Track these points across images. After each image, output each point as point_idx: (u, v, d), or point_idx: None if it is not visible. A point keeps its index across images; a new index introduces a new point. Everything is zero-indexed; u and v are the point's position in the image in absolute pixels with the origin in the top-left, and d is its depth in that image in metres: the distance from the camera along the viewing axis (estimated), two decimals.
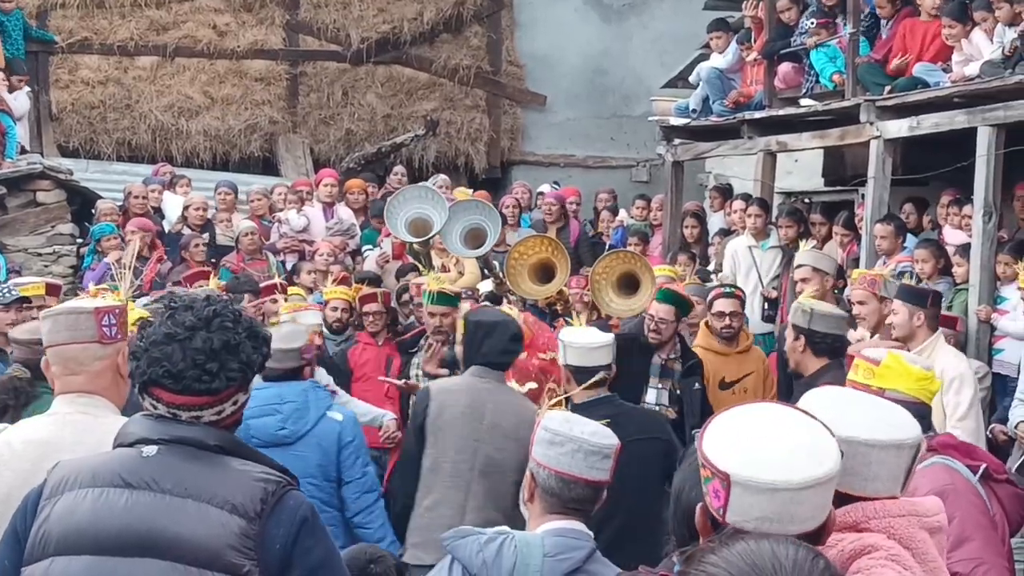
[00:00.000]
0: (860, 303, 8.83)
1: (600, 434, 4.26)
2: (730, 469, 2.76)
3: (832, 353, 7.49)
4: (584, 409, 6.73)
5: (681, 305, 9.17)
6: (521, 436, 6.72)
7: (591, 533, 4.23)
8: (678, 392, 8.93)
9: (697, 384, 8.97)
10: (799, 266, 10.37)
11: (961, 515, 4.70)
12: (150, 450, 3.55)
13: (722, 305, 9.77)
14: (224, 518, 3.44)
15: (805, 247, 10.82)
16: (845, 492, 3.21)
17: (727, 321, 9.71)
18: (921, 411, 4.81)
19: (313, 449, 7.10)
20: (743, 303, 10.06)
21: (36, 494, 3.62)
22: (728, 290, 10.03)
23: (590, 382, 6.92)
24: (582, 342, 6.98)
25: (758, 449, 2.80)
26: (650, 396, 8.85)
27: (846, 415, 3.25)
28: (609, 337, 7.18)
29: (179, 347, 3.55)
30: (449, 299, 9.27)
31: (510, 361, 7.11)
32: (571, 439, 4.17)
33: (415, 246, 11.29)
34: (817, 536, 2.84)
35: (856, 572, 3.08)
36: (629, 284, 10.01)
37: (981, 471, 4.98)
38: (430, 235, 10.82)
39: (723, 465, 2.78)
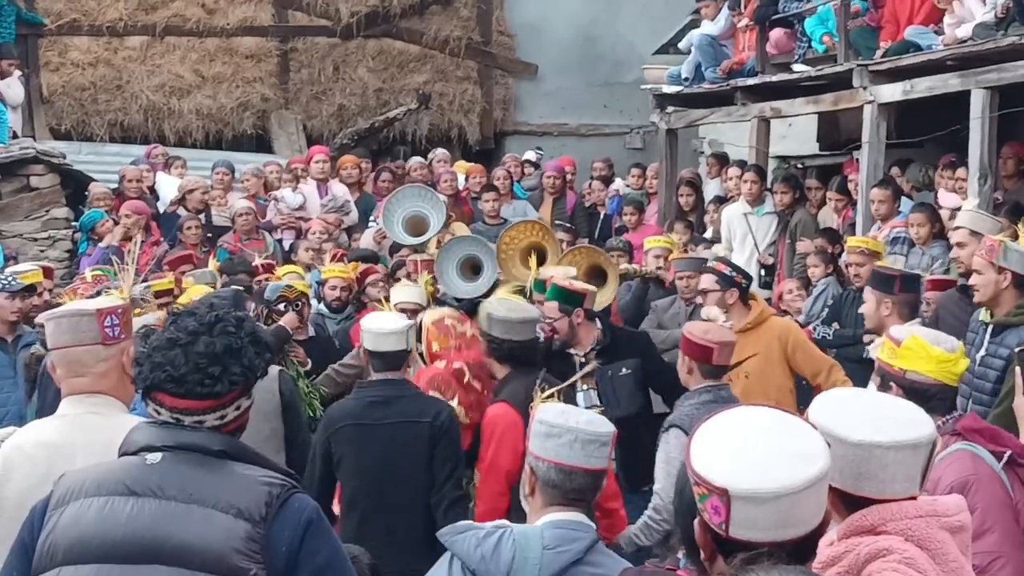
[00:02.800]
0: (977, 272, 7.68)
1: (595, 422, 4.25)
2: (728, 484, 2.75)
3: (512, 359, 7.18)
4: (363, 388, 6.98)
5: (567, 299, 8.24)
6: None
7: (592, 524, 4.21)
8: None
9: (624, 368, 8.10)
10: (956, 228, 9.26)
11: (983, 506, 4.66)
12: (154, 457, 3.56)
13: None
14: (229, 523, 3.44)
15: (967, 205, 9.47)
16: (863, 496, 3.21)
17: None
18: (944, 393, 4.78)
19: None
20: (723, 278, 8.82)
21: (43, 505, 3.63)
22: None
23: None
24: (375, 328, 6.94)
25: (750, 459, 2.79)
26: (580, 401, 7.90)
27: (858, 418, 3.23)
28: (403, 324, 7.07)
29: (182, 351, 3.56)
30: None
31: None
32: (568, 430, 4.16)
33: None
34: (817, 533, 2.84)
35: (868, 574, 3.07)
36: (598, 275, 9.96)
37: (1006, 458, 4.95)
38: (426, 238, 10.81)
39: (720, 481, 2.76)
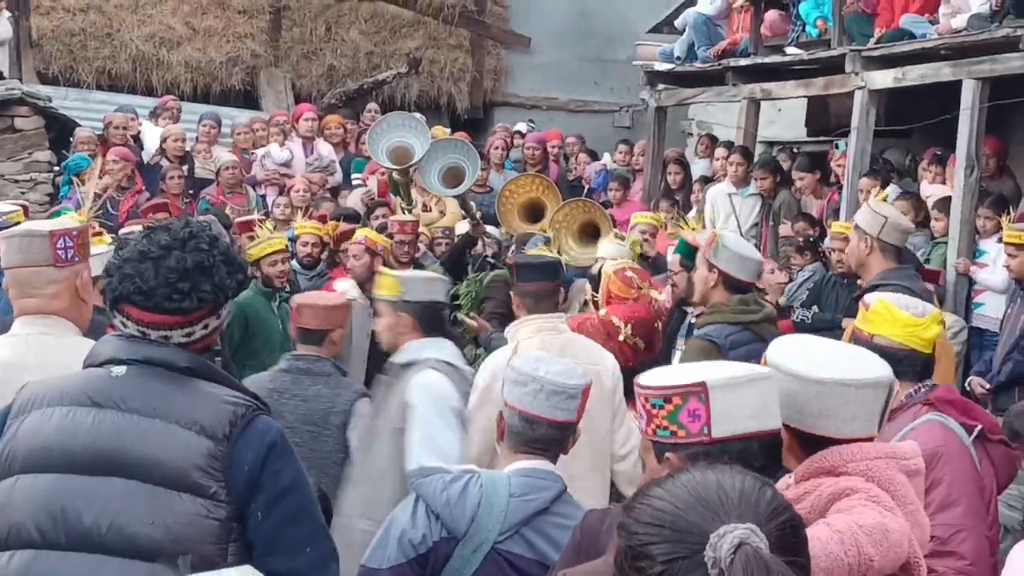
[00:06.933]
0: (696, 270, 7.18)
1: (566, 374, 4.18)
2: (705, 377, 2.83)
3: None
4: None
5: (690, 254, 7.62)
6: None
7: (560, 474, 4.19)
8: None
9: None
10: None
11: (950, 479, 4.65)
12: (119, 370, 3.52)
13: None
14: (192, 439, 3.42)
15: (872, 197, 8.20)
16: (823, 435, 3.21)
17: None
18: (913, 359, 4.72)
19: None
20: None
21: (3, 413, 3.59)
22: None
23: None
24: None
25: (719, 364, 2.95)
26: (676, 359, 7.62)
27: (818, 358, 3.26)
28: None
29: (152, 265, 3.51)
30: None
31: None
32: (534, 379, 4.11)
33: (395, 176, 11.27)
34: (779, 445, 2.97)
35: (837, 511, 3.07)
36: (590, 233, 9.93)
37: (976, 431, 4.93)
38: (410, 164, 10.79)
39: (696, 378, 2.84)
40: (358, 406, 6.76)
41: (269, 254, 9.87)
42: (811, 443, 3.22)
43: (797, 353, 3.26)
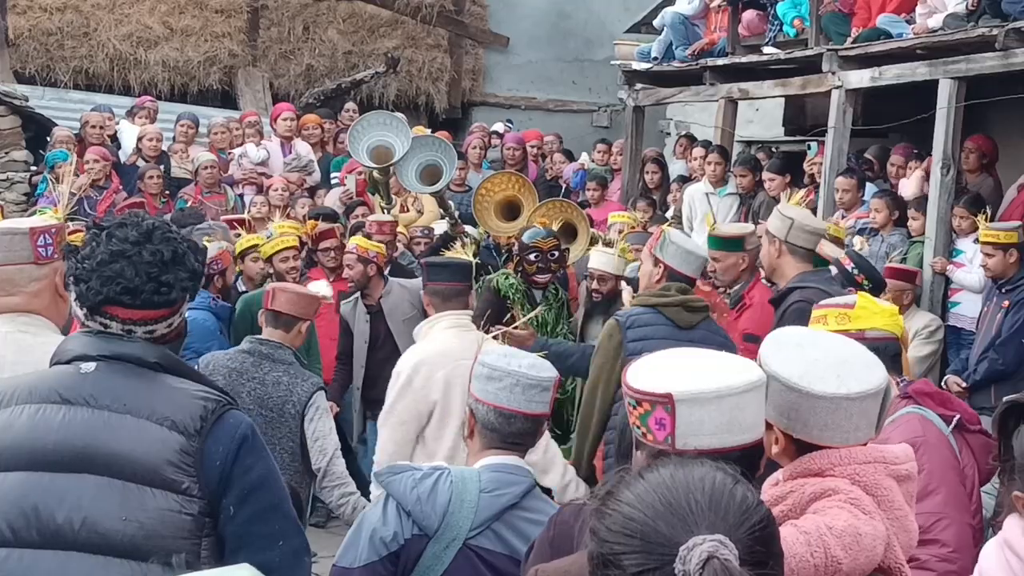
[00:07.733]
0: (641, 263, 7.40)
1: (538, 367, 4.20)
2: (671, 389, 2.79)
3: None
4: None
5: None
6: None
7: (529, 469, 4.19)
8: None
9: None
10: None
11: (929, 468, 4.67)
12: (88, 366, 3.51)
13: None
14: (163, 434, 3.41)
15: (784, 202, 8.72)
16: (826, 446, 3.19)
17: None
18: (896, 347, 4.77)
19: None
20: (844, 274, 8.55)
21: None
22: None
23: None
24: None
25: (691, 370, 2.87)
26: None
27: (820, 367, 3.20)
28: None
29: (128, 263, 3.50)
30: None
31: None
32: (509, 373, 4.12)
33: (375, 175, 11.26)
34: (758, 455, 2.91)
35: (812, 511, 3.06)
36: (568, 233, 9.93)
37: (955, 422, 4.95)
38: (391, 162, 10.78)
39: (664, 388, 2.80)
40: (316, 398, 6.93)
41: (280, 250, 9.96)
42: (807, 446, 3.20)
43: (794, 362, 3.20)
